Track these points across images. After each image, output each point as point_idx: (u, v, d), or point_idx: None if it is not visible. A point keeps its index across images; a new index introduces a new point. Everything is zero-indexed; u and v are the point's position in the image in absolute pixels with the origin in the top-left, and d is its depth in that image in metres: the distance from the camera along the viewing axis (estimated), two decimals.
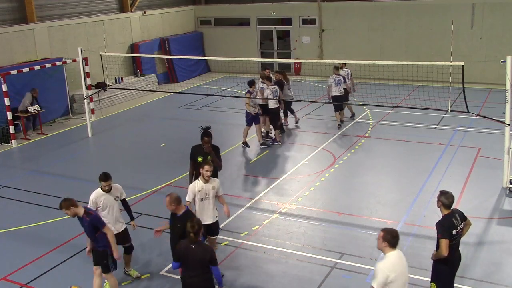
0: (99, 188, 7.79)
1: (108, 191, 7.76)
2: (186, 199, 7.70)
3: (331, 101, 15.44)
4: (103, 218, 7.43)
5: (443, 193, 6.40)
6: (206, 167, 7.69)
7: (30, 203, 11.26)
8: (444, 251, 6.17)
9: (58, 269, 8.54)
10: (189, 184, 8.31)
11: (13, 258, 8.94)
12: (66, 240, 9.46)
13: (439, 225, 6.34)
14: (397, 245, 5.53)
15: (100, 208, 7.71)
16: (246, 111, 14.30)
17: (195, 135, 15.68)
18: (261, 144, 14.29)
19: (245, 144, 14.32)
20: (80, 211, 6.97)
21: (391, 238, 5.49)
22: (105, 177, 7.75)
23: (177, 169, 12.83)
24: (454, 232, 6.27)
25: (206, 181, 7.76)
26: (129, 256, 8.22)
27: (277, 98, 14.35)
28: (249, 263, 8.56)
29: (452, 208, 6.41)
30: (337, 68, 15.48)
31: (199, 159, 8.75)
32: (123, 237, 7.95)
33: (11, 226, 10.17)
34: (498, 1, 20.17)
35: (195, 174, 8.87)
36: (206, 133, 8.76)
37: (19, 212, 10.87)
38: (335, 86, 15.21)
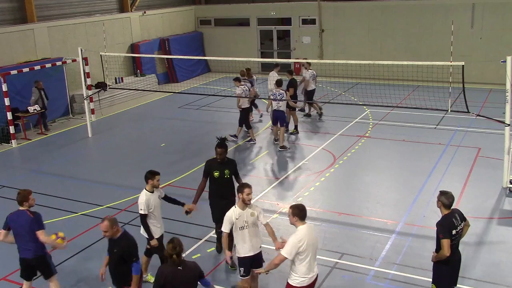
0: (145, 190, 7.59)
1: (152, 191, 7.58)
2: (224, 230, 6.83)
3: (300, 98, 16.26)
4: (152, 220, 7.46)
5: (443, 193, 6.40)
6: (247, 190, 6.73)
7: None
8: (446, 251, 6.18)
9: (58, 269, 8.51)
10: (194, 202, 8.15)
11: (13, 258, 8.92)
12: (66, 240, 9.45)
13: (439, 225, 6.34)
14: (305, 217, 6.11)
15: (151, 210, 7.52)
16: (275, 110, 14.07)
17: (195, 135, 15.82)
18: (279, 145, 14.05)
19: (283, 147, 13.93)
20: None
21: (299, 212, 6.07)
22: (153, 173, 7.58)
23: (177, 169, 12.84)
24: (454, 232, 6.27)
25: (245, 206, 6.82)
26: (149, 260, 8.05)
27: (248, 96, 14.67)
28: None
29: (452, 208, 6.41)
30: (309, 64, 16.39)
31: (215, 174, 8.07)
32: (161, 242, 7.69)
33: None
34: (498, 1, 20.17)
35: (209, 193, 8.27)
36: (220, 144, 8.09)
37: None
38: (312, 80, 15.83)
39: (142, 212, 7.46)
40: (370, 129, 15.45)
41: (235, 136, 14.82)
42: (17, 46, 17.37)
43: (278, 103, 13.75)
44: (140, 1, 23.05)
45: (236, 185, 7.55)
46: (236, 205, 6.89)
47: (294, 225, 6.14)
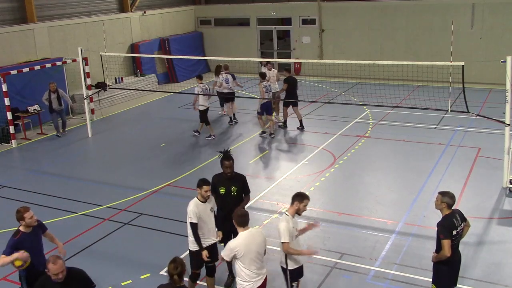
0: (196, 198, 6.96)
1: (205, 200, 6.92)
2: (286, 240, 6.40)
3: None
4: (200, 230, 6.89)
5: (445, 194, 6.37)
6: (306, 201, 6.49)
7: (30, 203, 11.23)
8: (447, 252, 6.17)
9: None
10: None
11: None
12: (66, 240, 9.44)
13: (440, 225, 6.34)
14: (246, 223, 6.14)
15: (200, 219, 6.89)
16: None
17: (195, 135, 15.80)
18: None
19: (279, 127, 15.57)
20: None
21: (237, 218, 6.11)
22: (205, 181, 6.88)
23: (177, 169, 12.84)
24: (454, 232, 6.27)
25: (297, 215, 6.61)
26: (212, 280, 7.42)
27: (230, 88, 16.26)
28: None
29: (452, 208, 6.41)
30: (226, 67, 16.98)
31: (221, 190, 7.38)
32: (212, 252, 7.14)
33: (11, 226, 10.13)
34: (498, 1, 20.16)
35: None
36: (226, 156, 7.42)
37: None
38: (226, 83, 16.40)
39: (191, 220, 6.92)
40: (370, 129, 15.45)
41: (197, 131, 15.48)
42: (17, 46, 17.37)
43: (269, 94, 15.02)
44: (140, 1, 23.04)
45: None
46: (287, 213, 6.49)
47: (238, 231, 6.21)
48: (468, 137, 14.22)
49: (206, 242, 7.04)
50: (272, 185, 11.63)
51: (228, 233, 7.28)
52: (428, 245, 8.63)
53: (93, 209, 10.73)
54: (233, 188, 7.39)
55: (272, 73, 16.68)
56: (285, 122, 15.93)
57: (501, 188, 10.87)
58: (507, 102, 10.52)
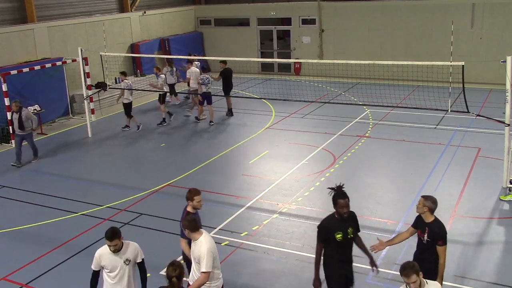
0: (105, 246, 6.09)
1: (116, 251, 6.00)
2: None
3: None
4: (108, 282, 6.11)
5: (428, 198, 6.18)
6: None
7: (30, 203, 11.26)
8: (444, 258, 6.13)
9: (58, 269, 8.54)
10: (315, 277, 6.35)
11: (13, 258, 8.95)
12: (66, 240, 9.47)
13: (443, 231, 6.18)
14: (199, 227, 6.09)
15: (107, 270, 6.08)
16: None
17: (195, 135, 15.82)
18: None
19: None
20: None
21: (188, 224, 6.01)
22: (107, 236, 5.91)
23: (177, 169, 12.84)
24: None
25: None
26: None
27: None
28: (249, 263, 8.55)
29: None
30: (191, 62, 17.97)
31: (337, 236, 6.10)
32: None
33: (11, 226, 10.17)
34: (498, 1, 20.16)
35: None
36: (342, 193, 6.13)
37: (19, 212, 10.87)
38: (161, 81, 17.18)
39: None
40: (370, 129, 15.45)
41: (138, 126, 16.35)
42: (17, 46, 17.37)
43: (207, 85, 16.54)
44: (140, 1, 23.05)
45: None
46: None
47: (194, 239, 6.03)
48: (468, 137, 14.22)
49: None
50: (272, 185, 11.63)
51: (343, 280, 6.45)
52: None
53: (93, 209, 10.73)
54: (349, 230, 6.19)
55: (195, 70, 17.86)
56: (229, 110, 17.71)
57: (501, 188, 10.87)
58: (507, 102, 10.52)
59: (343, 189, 6.19)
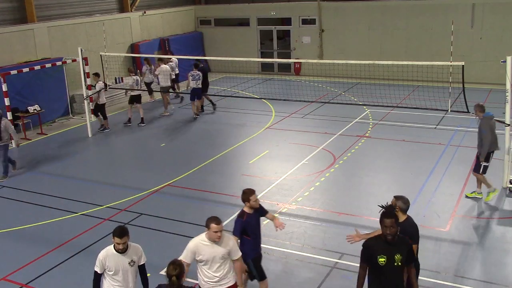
0: (112, 246, 6.01)
1: (121, 252, 5.95)
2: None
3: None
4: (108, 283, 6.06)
5: (399, 198, 6.18)
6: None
7: (30, 203, 11.27)
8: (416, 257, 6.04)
9: (58, 269, 8.55)
10: None
11: (13, 258, 8.95)
12: (66, 240, 9.47)
13: (415, 230, 6.16)
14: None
15: (110, 272, 5.99)
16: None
17: (195, 135, 15.81)
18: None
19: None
20: None
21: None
22: (117, 233, 5.87)
23: (177, 169, 12.84)
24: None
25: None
26: None
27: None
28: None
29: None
30: (162, 60, 18.46)
31: (380, 260, 5.47)
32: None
33: (11, 226, 10.17)
34: (498, 1, 20.17)
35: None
36: (389, 212, 5.57)
37: (19, 212, 10.87)
38: (136, 85, 17.45)
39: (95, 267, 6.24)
40: (370, 129, 15.45)
41: (104, 128, 16.50)
42: (17, 46, 17.37)
43: (197, 82, 17.18)
44: (140, 1, 23.05)
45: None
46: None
47: None
48: (468, 137, 14.22)
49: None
50: (272, 185, 11.63)
51: None
52: (428, 245, 8.65)
53: (93, 209, 10.73)
54: (397, 257, 5.48)
55: (166, 68, 18.42)
56: (202, 107, 18.26)
57: (501, 188, 10.87)
58: (507, 102, 10.53)
59: (394, 209, 5.86)
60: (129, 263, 5.94)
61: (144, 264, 6.13)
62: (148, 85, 19.45)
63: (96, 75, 16.54)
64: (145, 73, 19.31)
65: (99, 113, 16.53)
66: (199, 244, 6.04)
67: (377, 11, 22.36)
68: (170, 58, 19.58)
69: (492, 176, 11.47)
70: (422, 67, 15.02)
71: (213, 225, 5.91)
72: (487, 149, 10.16)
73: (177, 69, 20.15)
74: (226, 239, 6.11)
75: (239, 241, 6.75)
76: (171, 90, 19.22)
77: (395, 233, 5.45)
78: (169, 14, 24.80)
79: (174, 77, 19.51)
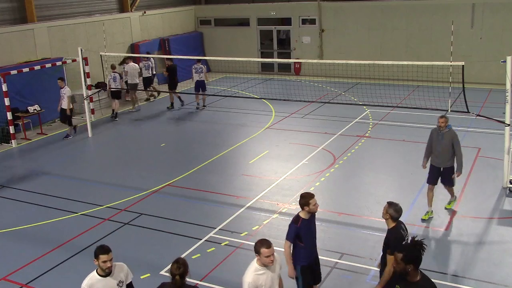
0: (94, 272, 5.45)
1: (107, 274, 5.41)
2: None
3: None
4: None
5: (391, 205, 6.17)
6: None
7: (30, 203, 11.27)
8: (391, 267, 5.75)
9: (58, 269, 8.55)
10: None
11: (13, 258, 8.95)
12: (66, 240, 9.47)
13: (393, 239, 6.07)
14: None
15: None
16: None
17: (195, 135, 15.82)
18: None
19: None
20: None
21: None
22: (103, 250, 5.39)
23: (177, 169, 12.84)
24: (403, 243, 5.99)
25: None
26: None
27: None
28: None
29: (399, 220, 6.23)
30: (113, 66, 18.30)
31: None
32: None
33: (11, 226, 10.17)
34: (498, 1, 20.17)
35: None
36: (414, 256, 4.91)
37: (19, 212, 10.87)
38: (114, 81, 17.78)
39: None
40: (370, 129, 15.45)
41: (67, 135, 16.04)
42: (17, 46, 17.37)
43: (200, 74, 18.30)
44: (140, 1, 23.05)
45: None
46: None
47: None
48: (468, 137, 14.22)
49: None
50: (272, 185, 11.63)
51: None
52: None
53: (93, 209, 10.73)
54: None
55: (133, 66, 18.96)
56: (172, 104, 19.01)
57: (501, 188, 10.87)
58: (507, 102, 10.52)
59: (424, 242, 5.03)
60: (117, 285, 5.42)
61: (131, 282, 5.67)
62: (146, 79, 20.17)
63: (62, 79, 15.95)
64: (127, 71, 19.43)
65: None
66: (256, 276, 5.66)
67: (377, 11, 22.35)
68: (146, 58, 20.05)
69: (492, 176, 11.49)
70: (422, 67, 15.03)
71: (264, 250, 5.47)
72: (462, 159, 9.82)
73: (154, 70, 20.86)
74: (277, 259, 5.74)
75: (291, 246, 6.57)
76: (140, 88, 19.91)
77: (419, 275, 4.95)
78: (169, 14, 24.79)
79: (150, 75, 20.21)
